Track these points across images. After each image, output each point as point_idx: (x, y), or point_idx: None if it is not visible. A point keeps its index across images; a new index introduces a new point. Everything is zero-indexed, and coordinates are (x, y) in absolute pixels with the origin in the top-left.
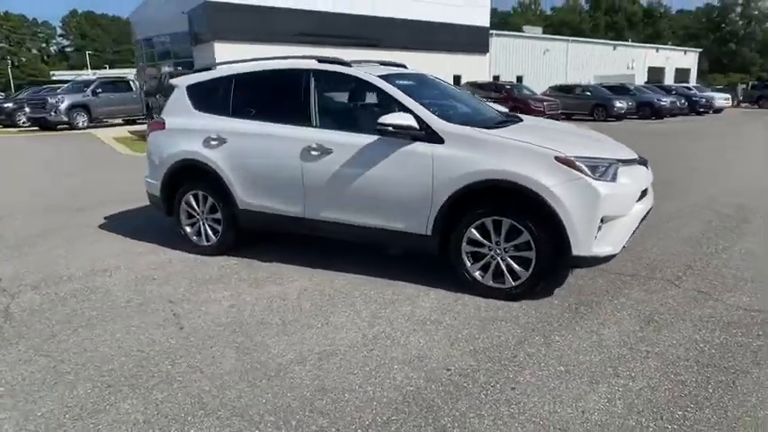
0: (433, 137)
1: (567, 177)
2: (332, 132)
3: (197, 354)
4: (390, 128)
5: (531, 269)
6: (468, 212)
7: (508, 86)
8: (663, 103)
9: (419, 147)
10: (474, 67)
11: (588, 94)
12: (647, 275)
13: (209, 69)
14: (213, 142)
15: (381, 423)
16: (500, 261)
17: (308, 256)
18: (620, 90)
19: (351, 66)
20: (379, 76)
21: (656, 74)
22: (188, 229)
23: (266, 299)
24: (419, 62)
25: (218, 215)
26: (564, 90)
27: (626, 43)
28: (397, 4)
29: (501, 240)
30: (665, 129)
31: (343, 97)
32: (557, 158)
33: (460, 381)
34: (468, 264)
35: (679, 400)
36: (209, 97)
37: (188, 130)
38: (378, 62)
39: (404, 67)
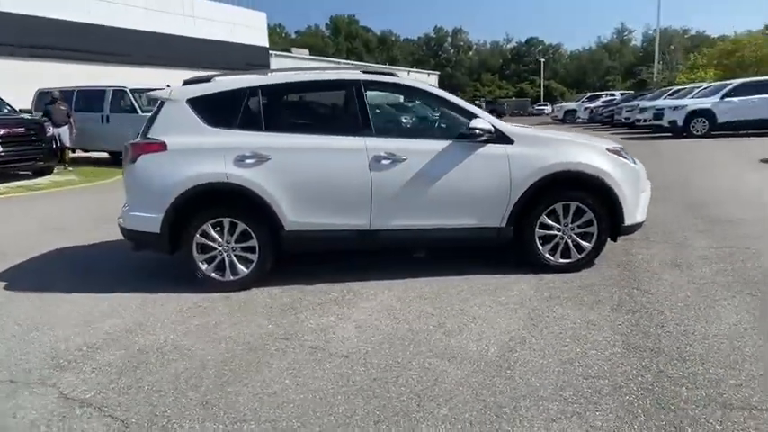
0: (503, 138)
1: (617, 163)
2: (401, 140)
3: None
4: (478, 131)
5: (593, 242)
6: (542, 201)
7: None
8: None
9: (493, 148)
10: None
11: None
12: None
13: (206, 81)
14: (249, 161)
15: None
16: (568, 240)
17: (336, 271)
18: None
19: (398, 76)
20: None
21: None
22: (204, 266)
23: (378, 313)
24: None
25: (252, 242)
26: None
27: (385, 66)
28: (172, 21)
29: (569, 221)
30: None
31: (394, 107)
32: (607, 149)
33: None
34: (541, 246)
35: None
36: (228, 111)
37: (204, 149)
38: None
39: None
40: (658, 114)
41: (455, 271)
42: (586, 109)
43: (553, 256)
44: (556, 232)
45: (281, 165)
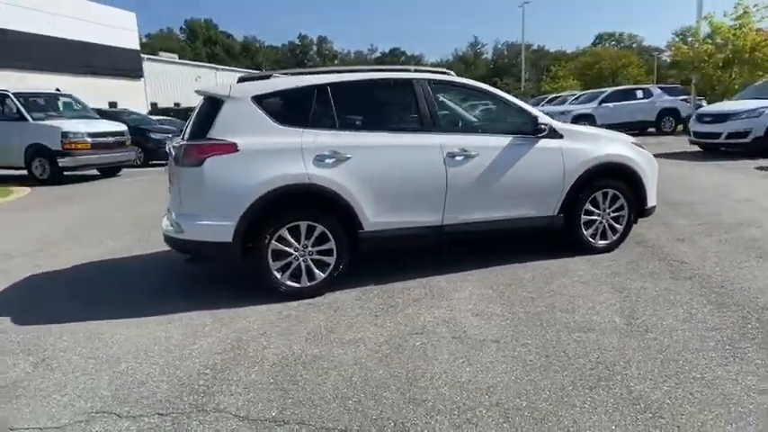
0: (554, 133)
1: (641, 153)
2: (470, 136)
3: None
4: (544, 126)
5: (624, 224)
6: (585, 190)
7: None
8: None
9: (549, 142)
10: (131, 93)
11: None
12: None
13: (264, 78)
14: (329, 160)
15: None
16: (605, 224)
17: (387, 270)
18: None
19: (453, 74)
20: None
21: None
22: (279, 274)
23: (481, 302)
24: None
25: (329, 245)
26: None
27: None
28: (33, 18)
29: (606, 207)
30: None
31: (456, 104)
32: (632, 143)
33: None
34: (584, 231)
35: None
36: (298, 109)
37: (280, 149)
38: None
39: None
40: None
41: (513, 260)
42: None
43: (594, 239)
44: (596, 217)
45: (361, 164)
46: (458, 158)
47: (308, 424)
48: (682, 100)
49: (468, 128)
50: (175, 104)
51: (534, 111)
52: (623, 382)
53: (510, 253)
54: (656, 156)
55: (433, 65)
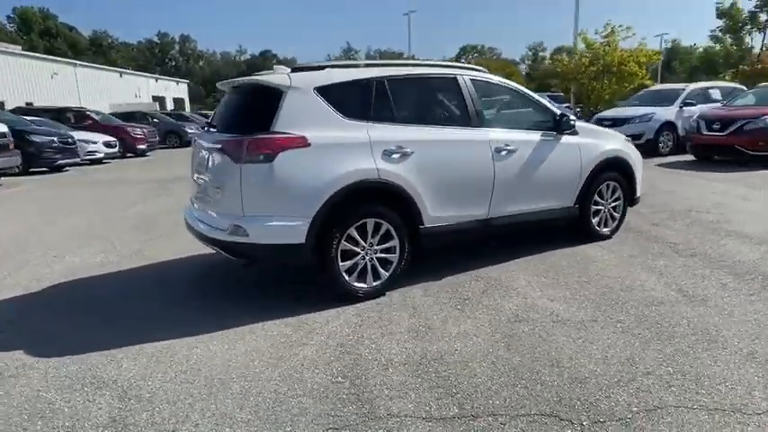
0: (573, 131)
1: (632, 149)
2: (509, 132)
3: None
4: (572, 123)
5: (620, 213)
6: (594, 183)
7: (95, 115)
8: (191, 132)
9: (569, 138)
10: None
11: (156, 121)
12: None
13: (319, 69)
14: (395, 155)
15: None
16: (607, 212)
17: (417, 267)
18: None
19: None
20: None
21: (159, 102)
22: (347, 276)
23: (549, 288)
24: None
25: (392, 243)
26: (124, 117)
27: (131, 72)
28: None
29: (608, 197)
30: None
31: (490, 100)
32: (625, 138)
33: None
34: (593, 220)
35: None
36: (358, 102)
37: (349, 144)
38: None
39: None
40: None
41: (533, 250)
42: None
43: (599, 227)
44: (600, 207)
45: (423, 158)
46: (502, 153)
47: (498, 414)
48: (566, 107)
49: (505, 123)
50: (27, 104)
51: (556, 109)
52: (728, 341)
53: (525, 245)
54: None
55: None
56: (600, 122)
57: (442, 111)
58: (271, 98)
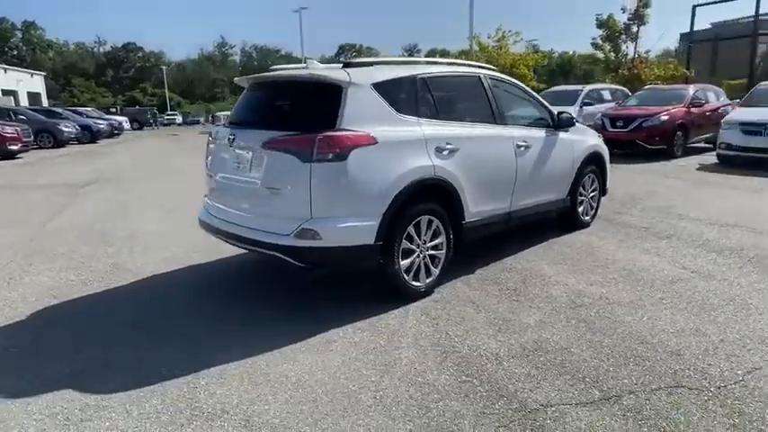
0: (566, 128)
1: (603, 144)
2: (523, 129)
3: None
4: (573, 120)
5: (597, 203)
6: (581, 176)
7: None
8: (67, 130)
9: (563, 135)
10: None
11: (23, 117)
12: None
13: (369, 65)
14: (445, 152)
15: None
16: (588, 202)
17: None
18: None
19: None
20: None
21: (12, 97)
22: (406, 275)
23: (596, 273)
24: None
25: (440, 239)
26: None
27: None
28: None
29: (589, 189)
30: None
31: (506, 99)
32: (599, 135)
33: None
34: (579, 210)
35: None
36: (407, 99)
37: (408, 140)
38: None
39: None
40: None
41: (536, 239)
42: None
43: (583, 216)
44: (583, 198)
45: (465, 154)
46: (522, 149)
47: (635, 391)
48: None
49: (519, 120)
50: None
51: (551, 107)
52: (758, 307)
53: (522, 236)
54: None
55: (178, 64)
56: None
57: (473, 108)
58: (330, 94)
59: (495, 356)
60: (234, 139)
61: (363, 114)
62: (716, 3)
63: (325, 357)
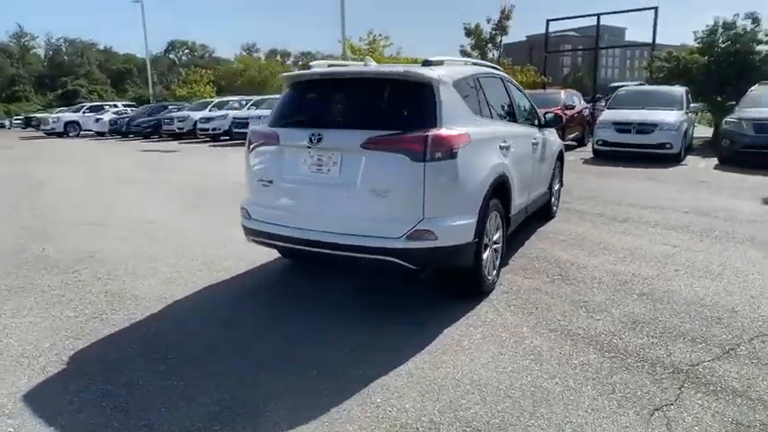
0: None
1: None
2: (530, 128)
3: None
4: (560, 121)
5: (558, 194)
6: (555, 170)
7: None
8: None
9: (546, 133)
10: None
11: None
12: None
13: (440, 64)
14: (504, 150)
15: None
16: (556, 195)
17: None
18: None
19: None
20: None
21: None
22: (485, 271)
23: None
24: None
25: (500, 233)
26: None
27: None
28: None
29: (557, 182)
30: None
31: (517, 98)
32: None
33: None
34: (552, 201)
35: None
36: (474, 97)
37: (487, 139)
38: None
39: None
40: (244, 123)
41: (524, 231)
42: (99, 120)
43: (554, 207)
44: (554, 190)
45: (513, 152)
46: (535, 146)
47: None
48: None
49: (525, 120)
50: None
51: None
52: (750, 271)
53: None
54: None
55: None
56: None
57: (504, 107)
58: (425, 92)
59: (612, 333)
60: (320, 139)
61: (453, 113)
62: (565, 18)
63: (468, 356)
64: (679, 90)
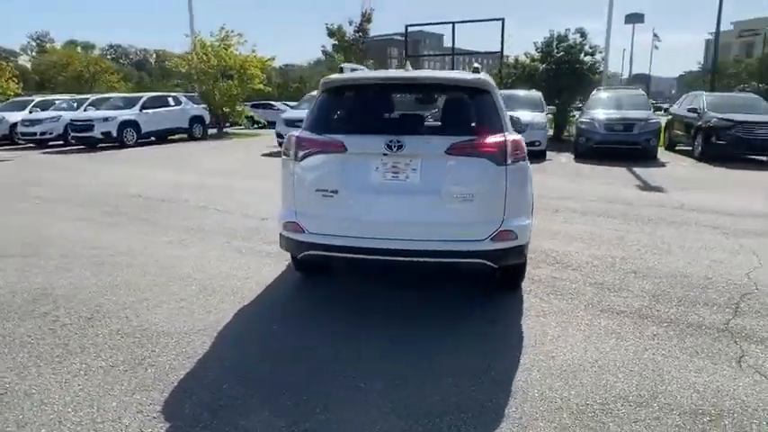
0: None
1: None
2: None
3: None
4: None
5: None
6: None
7: None
8: None
9: None
10: None
11: None
12: None
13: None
14: None
15: None
16: None
17: None
18: None
19: None
20: None
21: None
22: None
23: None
24: None
25: None
26: None
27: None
28: None
29: None
30: None
31: None
32: None
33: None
34: None
35: None
36: None
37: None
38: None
39: None
40: (87, 126)
41: None
42: None
43: None
44: None
45: None
46: None
47: None
48: (203, 108)
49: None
50: None
51: None
52: (734, 247)
53: None
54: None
55: None
56: (289, 123)
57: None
58: (487, 99)
59: (646, 307)
60: (401, 146)
61: (507, 118)
62: (424, 25)
63: (565, 343)
64: (538, 94)
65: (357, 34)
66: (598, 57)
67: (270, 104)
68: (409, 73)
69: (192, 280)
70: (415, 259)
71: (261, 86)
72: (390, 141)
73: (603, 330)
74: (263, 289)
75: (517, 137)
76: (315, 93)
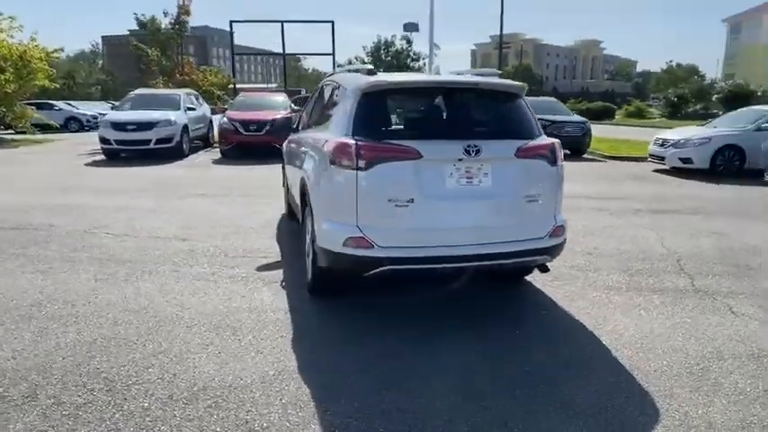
0: None
1: None
2: None
3: None
4: None
5: None
6: None
7: None
8: None
9: None
10: None
11: None
12: None
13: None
14: None
15: None
16: None
17: None
18: None
19: None
20: None
21: None
22: None
23: None
24: None
25: None
26: None
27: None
28: None
29: None
30: None
31: None
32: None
33: None
34: None
35: None
36: None
37: None
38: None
39: None
40: None
41: None
42: None
43: None
44: None
45: None
46: None
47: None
48: None
49: None
50: None
51: None
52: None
53: None
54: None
55: None
56: (118, 127)
57: None
58: (523, 103)
59: (672, 282)
60: (479, 151)
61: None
62: (248, 22)
63: (623, 325)
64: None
65: (174, 26)
66: (422, 63)
67: (49, 104)
68: (460, 77)
69: (192, 321)
70: (488, 263)
71: (47, 83)
72: (468, 146)
73: (648, 307)
74: (289, 316)
75: (557, 140)
76: (139, 91)
